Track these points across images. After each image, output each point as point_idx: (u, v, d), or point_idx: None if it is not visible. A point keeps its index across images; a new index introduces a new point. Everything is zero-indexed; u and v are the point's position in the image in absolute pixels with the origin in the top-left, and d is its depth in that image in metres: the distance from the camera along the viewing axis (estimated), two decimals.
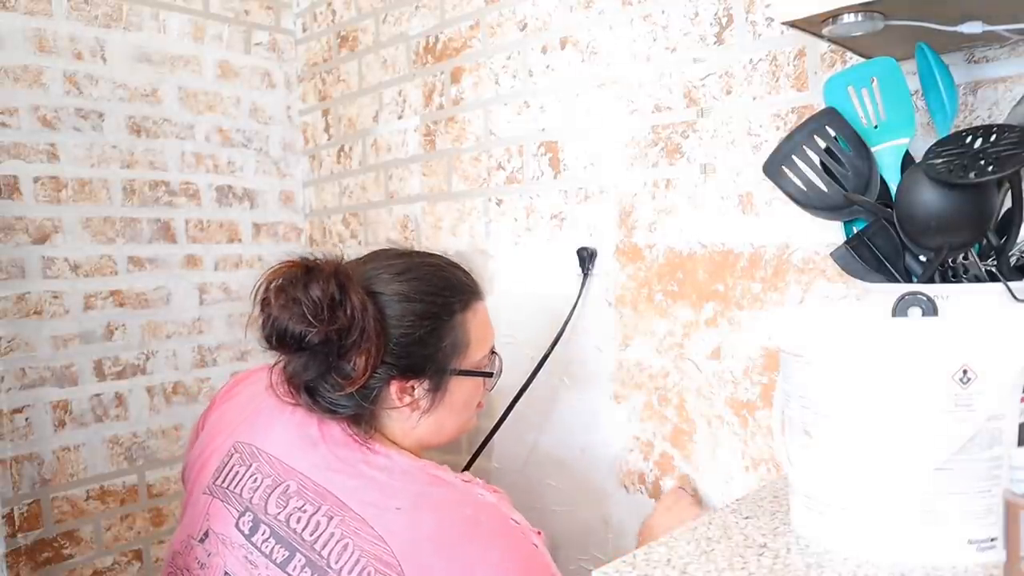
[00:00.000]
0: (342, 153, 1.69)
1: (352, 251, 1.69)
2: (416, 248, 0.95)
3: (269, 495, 0.80)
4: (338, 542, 0.75)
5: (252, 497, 0.81)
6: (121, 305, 1.50)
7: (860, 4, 0.65)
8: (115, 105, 1.50)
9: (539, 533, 0.80)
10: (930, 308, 0.62)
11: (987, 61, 0.81)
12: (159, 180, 1.56)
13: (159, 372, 1.54)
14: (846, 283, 0.92)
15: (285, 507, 0.79)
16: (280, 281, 0.78)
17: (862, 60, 0.83)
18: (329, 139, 1.72)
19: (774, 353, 0.99)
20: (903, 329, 0.58)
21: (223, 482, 0.85)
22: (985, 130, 0.69)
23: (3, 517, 1.32)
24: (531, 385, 1.21)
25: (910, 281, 0.74)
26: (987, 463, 0.57)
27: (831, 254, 0.78)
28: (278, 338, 0.78)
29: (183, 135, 1.59)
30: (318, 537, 0.76)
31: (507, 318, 1.34)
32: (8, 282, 1.36)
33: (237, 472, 0.84)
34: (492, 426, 1.23)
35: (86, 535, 1.43)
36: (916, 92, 0.81)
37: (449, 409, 0.87)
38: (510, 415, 1.22)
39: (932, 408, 0.57)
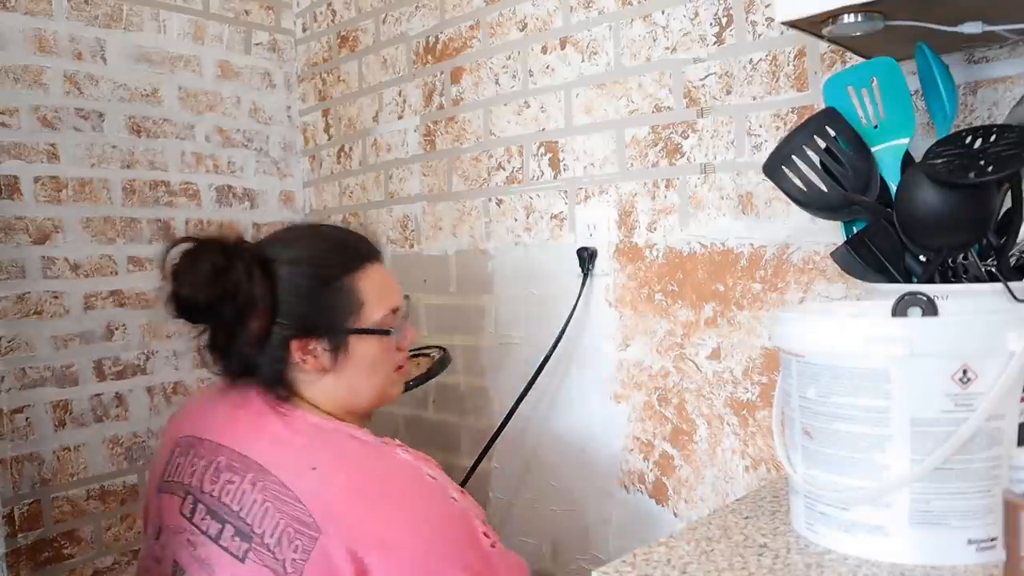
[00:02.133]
0: (342, 153, 1.69)
1: None
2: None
3: (204, 474, 0.85)
4: (260, 507, 0.79)
5: (191, 480, 0.86)
6: (121, 305, 1.50)
7: (860, 4, 0.65)
8: (115, 105, 1.49)
9: (462, 492, 0.83)
10: (930, 308, 0.62)
11: (987, 61, 0.81)
12: (159, 180, 1.56)
13: (159, 372, 1.54)
14: (846, 283, 0.92)
15: (217, 482, 0.83)
16: (175, 256, 0.84)
17: (862, 60, 0.83)
18: (329, 139, 1.72)
19: (774, 353, 0.99)
20: (903, 329, 0.58)
21: (168, 476, 0.90)
22: (985, 130, 0.69)
23: (3, 517, 1.32)
24: (531, 385, 1.21)
25: (910, 281, 0.74)
26: (987, 463, 0.57)
27: (831, 254, 0.78)
28: (176, 307, 0.84)
29: (183, 135, 1.59)
30: (243, 505, 0.80)
31: (507, 318, 1.34)
32: (8, 282, 1.36)
33: (179, 463, 0.89)
34: (496, 427, 1.23)
35: (86, 535, 1.43)
36: (916, 92, 0.81)
37: (357, 369, 0.89)
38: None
39: (932, 408, 0.57)
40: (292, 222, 0.97)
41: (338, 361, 0.88)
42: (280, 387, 0.87)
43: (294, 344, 0.86)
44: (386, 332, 0.91)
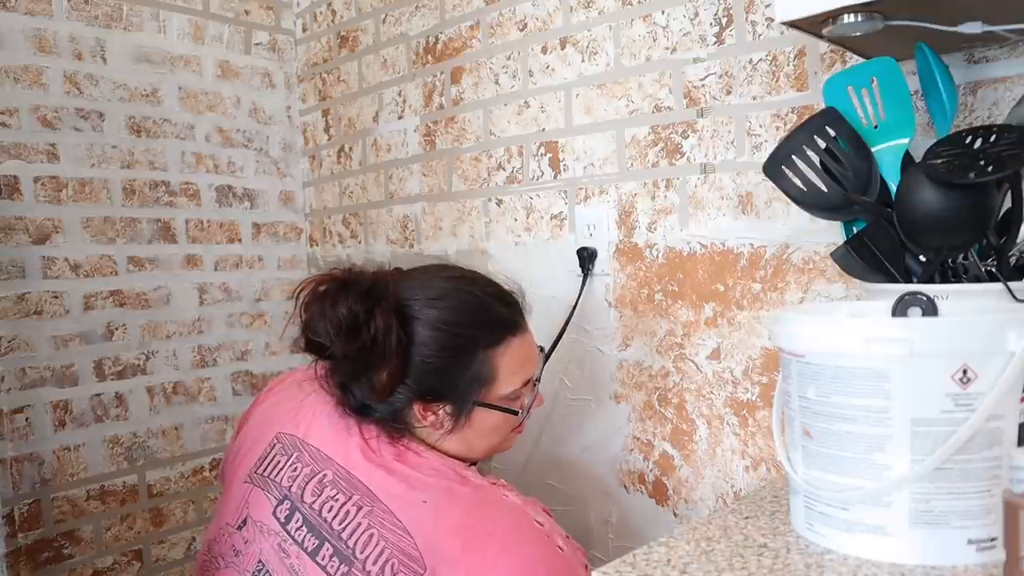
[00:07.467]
0: (342, 153, 1.69)
1: (352, 251, 1.70)
2: (469, 268, 0.95)
3: (307, 483, 0.83)
4: (364, 532, 0.77)
5: (291, 485, 0.84)
6: (121, 305, 1.50)
7: (860, 4, 0.65)
8: (115, 105, 1.50)
9: (567, 538, 0.81)
10: (930, 308, 0.62)
11: (987, 61, 0.81)
12: (159, 180, 1.56)
13: (159, 372, 1.54)
14: (846, 283, 0.92)
15: (319, 495, 0.81)
16: (316, 291, 0.83)
17: (862, 60, 0.83)
18: (329, 139, 1.72)
19: (774, 353, 0.99)
20: (903, 329, 0.58)
21: (264, 471, 0.87)
22: (985, 130, 0.69)
23: (3, 517, 1.32)
24: None
25: (910, 281, 0.74)
26: (987, 463, 0.57)
27: (831, 254, 0.78)
28: (306, 344, 0.84)
29: (183, 135, 1.59)
30: (346, 526, 0.78)
31: None
32: (8, 282, 1.36)
33: (279, 461, 0.87)
34: None
35: (86, 535, 1.43)
36: (916, 92, 0.81)
37: (476, 433, 0.88)
38: None
39: (932, 408, 0.57)
40: (450, 264, 0.94)
41: (458, 424, 0.87)
42: (396, 425, 0.86)
43: (417, 404, 0.85)
44: (511, 412, 0.89)
